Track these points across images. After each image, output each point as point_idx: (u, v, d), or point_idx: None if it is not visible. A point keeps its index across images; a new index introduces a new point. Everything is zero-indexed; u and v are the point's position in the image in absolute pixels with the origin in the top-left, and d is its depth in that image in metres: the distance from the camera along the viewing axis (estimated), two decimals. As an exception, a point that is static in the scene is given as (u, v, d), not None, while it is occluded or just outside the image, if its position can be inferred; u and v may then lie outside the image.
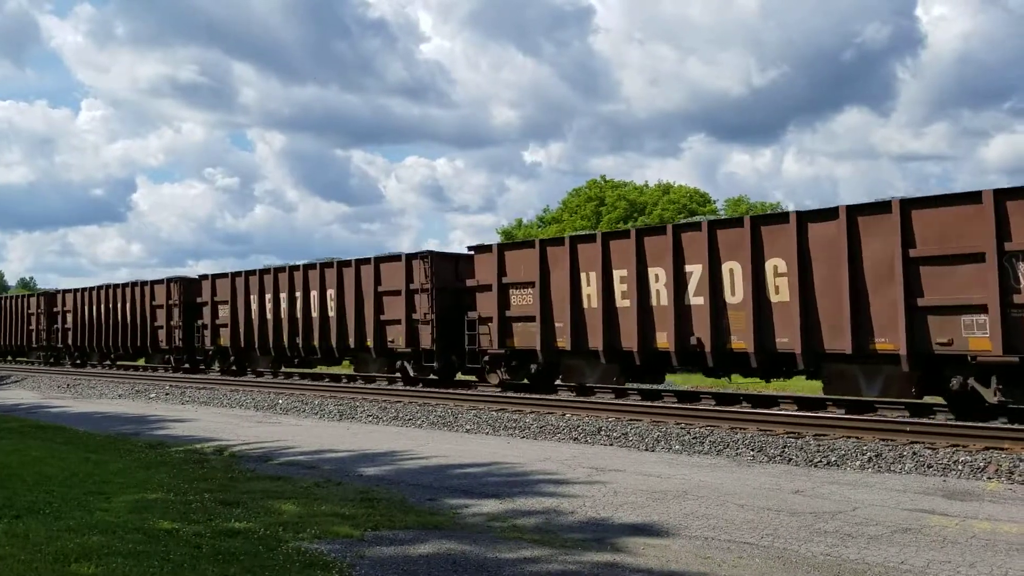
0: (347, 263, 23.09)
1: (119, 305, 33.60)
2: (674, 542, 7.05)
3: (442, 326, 20.44)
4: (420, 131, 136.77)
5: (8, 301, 43.47)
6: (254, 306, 26.49)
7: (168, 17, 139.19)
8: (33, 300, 40.48)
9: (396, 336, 21.56)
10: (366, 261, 22.55)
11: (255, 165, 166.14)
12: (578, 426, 14.38)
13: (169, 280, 30.94)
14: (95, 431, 15.43)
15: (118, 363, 36.01)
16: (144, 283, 32.40)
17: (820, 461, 11.18)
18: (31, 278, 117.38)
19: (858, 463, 10.93)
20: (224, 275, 27.94)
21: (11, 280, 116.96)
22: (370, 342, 22.22)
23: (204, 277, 28.89)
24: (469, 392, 19.93)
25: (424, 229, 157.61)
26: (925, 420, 13.08)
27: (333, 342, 23.40)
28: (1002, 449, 10.92)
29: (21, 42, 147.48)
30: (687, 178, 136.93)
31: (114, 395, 24.56)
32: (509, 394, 19.02)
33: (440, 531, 7.41)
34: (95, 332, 35.09)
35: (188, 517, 7.76)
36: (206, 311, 28.49)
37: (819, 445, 11.79)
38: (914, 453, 11.01)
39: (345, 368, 27.07)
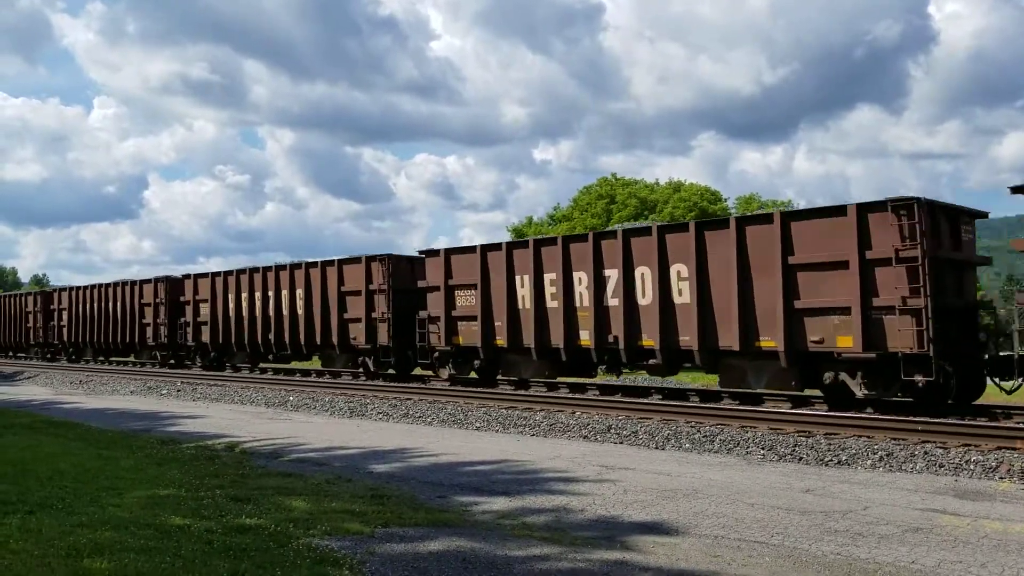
0: (752, 219, 15.95)
1: (284, 292, 27.16)
2: (684, 540, 7.04)
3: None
4: (430, 129, 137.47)
5: (109, 289, 36.48)
6: (523, 291, 19.29)
7: (178, 15, 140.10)
8: (148, 288, 33.89)
9: (826, 334, 14.41)
10: (761, 218, 15.67)
11: (266, 163, 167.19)
12: (588, 424, 14.38)
13: (370, 259, 24.12)
14: (107, 427, 15.52)
15: (274, 366, 30.00)
16: (327, 263, 25.73)
17: (831, 460, 11.14)
18: (44, 275, 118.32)
19: (869, 462, 10.89)
20: (469, 249, 20.91)
21: (24, 277, 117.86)
22: (775, 343, 14.91)
23: (432, 253, 21.84)
24: (479, 390, 19.95)
25: (435, 227, 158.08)
26: (937, 419, 13.01)
27: (696, 340, 15.94)
28: (1014, 449, 10.87)
29: (34, 40, 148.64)
30: (697, 176, 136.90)
31: (126, 391, 24.70)
32: (520, 392, 19.02)
33: (450, 528, 7.42)
34: (237, 327, 29.09)
35: (199, 513, 7.80)
36: (434, 299, 21.46)
37: (830, 444, 11.76)
38: (925, 452, 10.97)
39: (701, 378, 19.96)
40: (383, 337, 23.31)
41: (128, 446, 12.77)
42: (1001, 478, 9.89)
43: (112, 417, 17.58)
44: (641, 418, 14.64)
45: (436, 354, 21.73)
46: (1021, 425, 12.42)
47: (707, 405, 15.44)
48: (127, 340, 35.25)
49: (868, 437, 12.10)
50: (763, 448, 11.96)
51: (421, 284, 21.99)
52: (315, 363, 28.78)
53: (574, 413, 15.59)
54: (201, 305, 30.80)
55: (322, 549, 6.54)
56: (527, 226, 63.22)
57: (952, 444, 11.35)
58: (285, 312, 27.03)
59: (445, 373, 21.87)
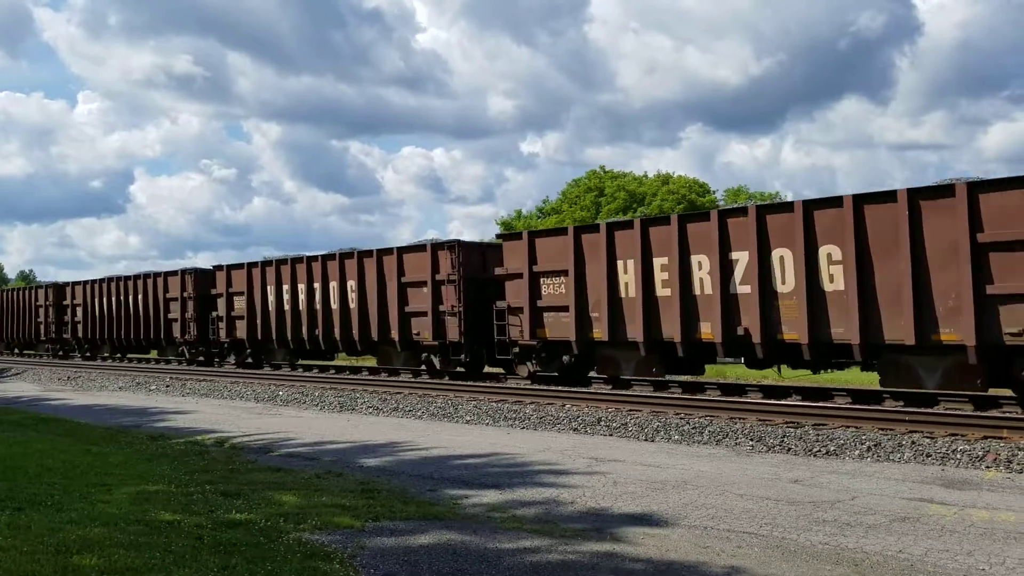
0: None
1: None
2: (673, 531, 7.08)
3: None
4: (417, 122, 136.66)
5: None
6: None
7: (161, 6, 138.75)
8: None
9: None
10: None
11: (252, 156, 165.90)
12: (577, 416, 14.41)
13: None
14: (96, 423, 15.46)
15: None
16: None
17: (819, 451, 11.21)
18: (31, 271, 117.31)
19: (857, 452, 10.96)
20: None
21: (11, 273, 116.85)
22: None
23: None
24: (468, 383, 19.96)
25: (424, 220, 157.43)
26: (924, 409, 13.11)
27: None
28: (1001, 438, 10.96)
29: (16, 33, 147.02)
30: (685, 168, 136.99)
31: (115, 387, 24.59)
32: (509, 386, 19.07)
33: (440, 522, 7.43)
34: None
35: (189, 508, 7.78)
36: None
37: (818, 435, 11.82)
38: (913, 442, 11.04)
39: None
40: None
41: (117, 442, 12.72)
42: (987, 467, 9.97)
43: (101, 413, 17.52)
44: (630, 410, 14.68)
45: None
46: (1007, 415, 12.52)
47: (696, 397, 15.52)
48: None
49: (856, 427, 12.17)
50: (752, 439, 12.02)
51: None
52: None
53: (564, 406, 15.62)
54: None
55: (312, 543, 6.54)
56: (516, 219, 63.18)
57: (939, 434, 11.43)
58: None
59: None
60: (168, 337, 31.36)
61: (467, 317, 20.19)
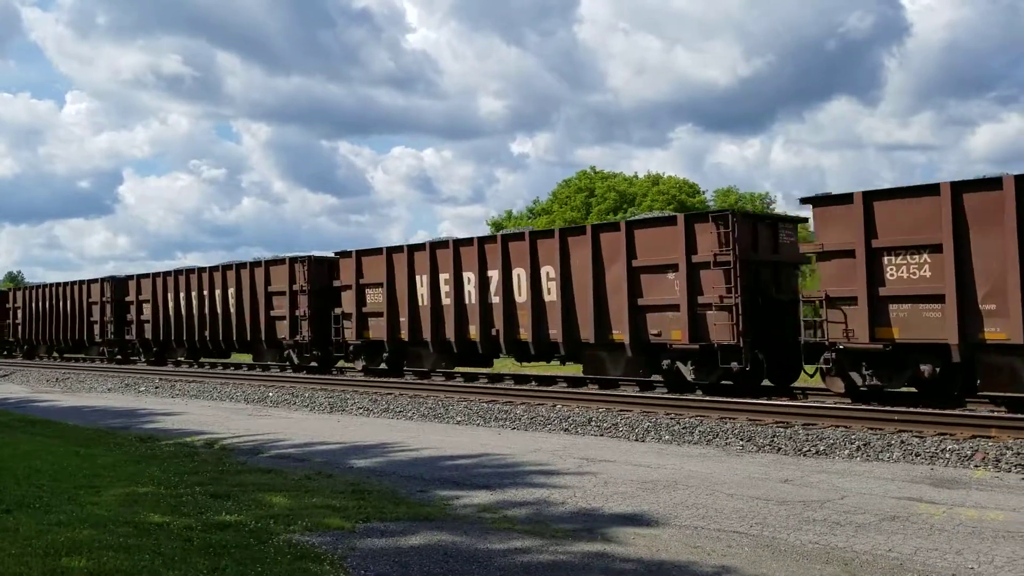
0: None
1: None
2: (664, 531, 7.08)
3: None
4: (407, 122, 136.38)
5: None
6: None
7: (149, 6, 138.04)
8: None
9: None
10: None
11: (242, 157, 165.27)
12: (568, 417, 14.42)
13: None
14: (85, 425, 15.39)
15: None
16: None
17: (809, 450, 11.24)
18: (19, 272, 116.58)
19: (847, 452, 11.00)
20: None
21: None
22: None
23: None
24: (457, 384, 19.95)
25: (414, 221, 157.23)
26: (913, 409, 13.16)
27: None
28: (989, 437, 11.01)
29: (3, 33, 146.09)
30: (675, 168, 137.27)
31: (103, 389, 24.49)
32: (500, 386, 19.04)
33: (431, 522, 7.42)
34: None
35: (179, 510, 7.75)
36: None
37: (808, 434, 11.86)
38: (902, 442, 11.09)
39: None
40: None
41: (106, 444, 12.67)
42: (976, 466, 10.02)
43: (89, 415, 17.44)
44: (621, 410, 14.70)
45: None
46: (995, 414, 12.58)
47: (687, 397, 15.53)
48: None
49: (846, 427, 12.21)
50: (742, 439, 12.05)
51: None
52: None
53: (554, 406, 15.63)
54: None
55: (303, 545, 6.52)
56: (507, 220, 63.19)
57: (928, 433, 11.47)
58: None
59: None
60: (270, 338, 26.29)
61: (744, 312, 15.29)
